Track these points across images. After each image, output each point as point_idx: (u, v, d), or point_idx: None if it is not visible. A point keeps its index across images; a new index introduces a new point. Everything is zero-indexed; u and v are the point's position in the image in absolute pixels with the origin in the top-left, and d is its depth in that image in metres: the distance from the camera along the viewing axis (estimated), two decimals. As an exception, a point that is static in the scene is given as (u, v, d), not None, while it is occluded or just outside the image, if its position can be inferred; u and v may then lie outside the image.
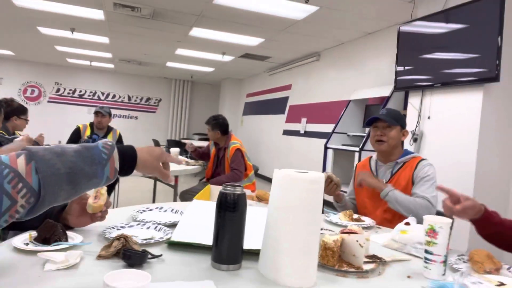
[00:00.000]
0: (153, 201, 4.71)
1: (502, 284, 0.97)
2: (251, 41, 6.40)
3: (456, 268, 1.13)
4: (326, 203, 2.34)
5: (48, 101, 11.37)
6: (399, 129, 2.00)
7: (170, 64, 9.45)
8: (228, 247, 1.00)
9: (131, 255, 0.97)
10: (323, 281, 0.98)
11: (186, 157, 4.70)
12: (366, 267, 1.08)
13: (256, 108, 10.26)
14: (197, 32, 6.06)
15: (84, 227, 1.24)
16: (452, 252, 1.26)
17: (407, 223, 1.39)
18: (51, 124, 10.55)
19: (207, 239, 1.09)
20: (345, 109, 5.39)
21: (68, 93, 11.55)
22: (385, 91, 4.67)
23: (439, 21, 3.46)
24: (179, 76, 11.86)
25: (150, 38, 6.76)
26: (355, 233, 1.13)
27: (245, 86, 11.24)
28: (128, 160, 0.85)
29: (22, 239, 1.07)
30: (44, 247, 1.02)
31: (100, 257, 1.01)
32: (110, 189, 4.28)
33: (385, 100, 4.58)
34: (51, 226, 1.07)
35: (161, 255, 1.05)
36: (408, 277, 1.07)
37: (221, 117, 3.91)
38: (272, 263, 0.96)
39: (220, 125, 3.82)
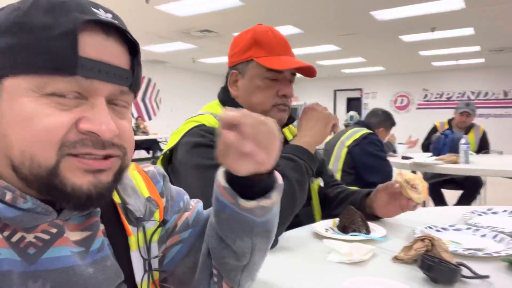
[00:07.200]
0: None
1: None
2: None
3: None
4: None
5: (416, 108, 11.69)
6: None
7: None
8: None
9: (432, 265, 0.67)
10: None
11: None
12: None
13: None
14: None
15: (394, 220, 1.03)
16: None
17: None
18: (418, 130, 10.77)
19: None
20: None
21: (436, 98, 11.40)
22: None
23: None
24: None
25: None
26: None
27: None
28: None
29: (325, 224, 1.00)
30: (341, 236, 0.90)
31: (396, 259, 0.77)
32: None
33: None
34: (350, 214, 0.95)
35: (487, 276, 0.67)
36: None
37: None
38: None
39: None
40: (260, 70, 0.95)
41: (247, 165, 0.47)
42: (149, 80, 10.04)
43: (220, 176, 0.51)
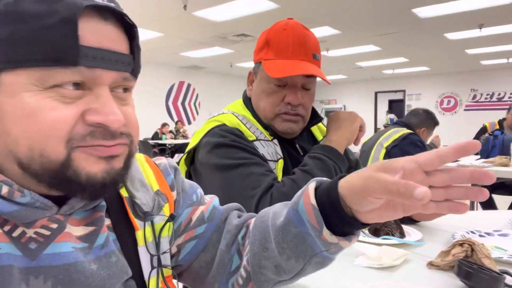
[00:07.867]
0: None
1: None
2: None
3: None
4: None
5: (464, 110, 11.08)
6: None
7: None
8: None
9: (470, 272, 0.60)
10: None
11: None
12: None
13: None
14: None
15: (432, 224, 0.96)
16: None
17: None
18: (466, 133, 10.19)
19: None
20: None
21: (486, 98, 10.75)
22: None
23: None
24: None
25: None
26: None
27: None
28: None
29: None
30: (372, 239, 0.85)
31: (431, 265, 0.70)
32: None
33: None
34: (382, 216, 0.88)
35: (536, 288, 0.59)
36: None
37: None
38: None
39: None
40: (266, 73, 0.89)
41: (392, 215, 0.42)
42: (189, 85, 10.27)
43: (311, 191, 0.46)
